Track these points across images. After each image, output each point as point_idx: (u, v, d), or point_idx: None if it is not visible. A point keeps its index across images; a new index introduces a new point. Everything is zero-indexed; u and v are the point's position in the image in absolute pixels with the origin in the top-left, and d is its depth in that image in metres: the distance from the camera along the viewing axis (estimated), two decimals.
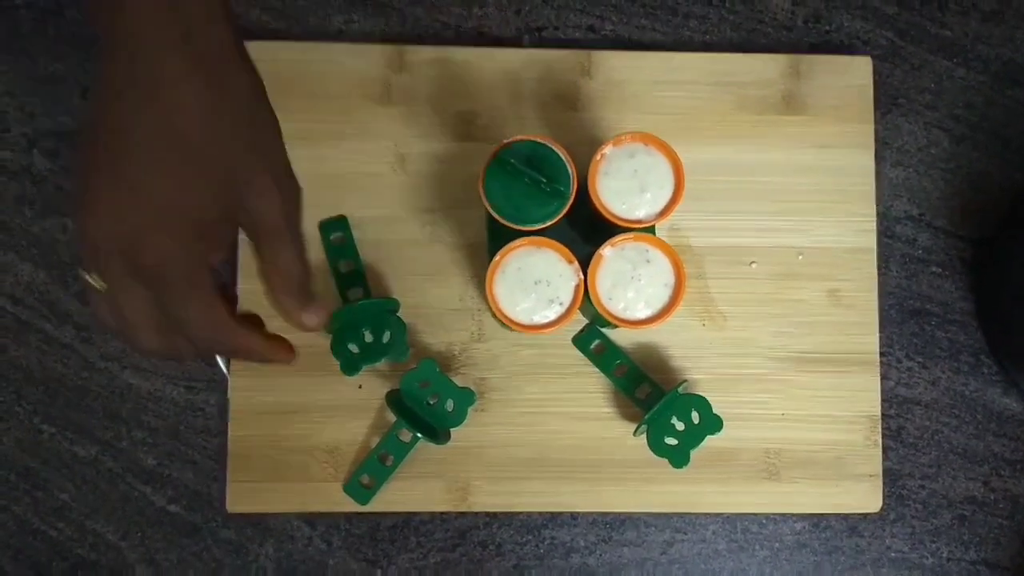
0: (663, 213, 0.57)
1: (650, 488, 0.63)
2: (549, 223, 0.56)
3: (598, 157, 0.57)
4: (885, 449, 0.65)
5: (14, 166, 0.65)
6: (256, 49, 0.64)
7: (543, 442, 0.63)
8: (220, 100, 0.40)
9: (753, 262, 0.65)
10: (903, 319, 0.66)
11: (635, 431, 0.62)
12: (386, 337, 0.60)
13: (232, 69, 0.41)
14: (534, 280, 0.57)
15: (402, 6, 0.67)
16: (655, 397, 0.62)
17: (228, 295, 0.45)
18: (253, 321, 0.49)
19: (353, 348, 0.60)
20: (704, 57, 0.66)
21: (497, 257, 0.56)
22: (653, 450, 0.60)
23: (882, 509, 0.64)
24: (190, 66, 0.39)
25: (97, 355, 0.64)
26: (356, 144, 0.64)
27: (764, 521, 0.65)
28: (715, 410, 0.60)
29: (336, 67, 0.65)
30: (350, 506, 0.62)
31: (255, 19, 0.66)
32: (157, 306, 0.42)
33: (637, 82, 0.65)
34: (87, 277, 0.42)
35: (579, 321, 0.64)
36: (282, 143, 0.45)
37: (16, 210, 0.65)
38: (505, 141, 0.56)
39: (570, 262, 0.57)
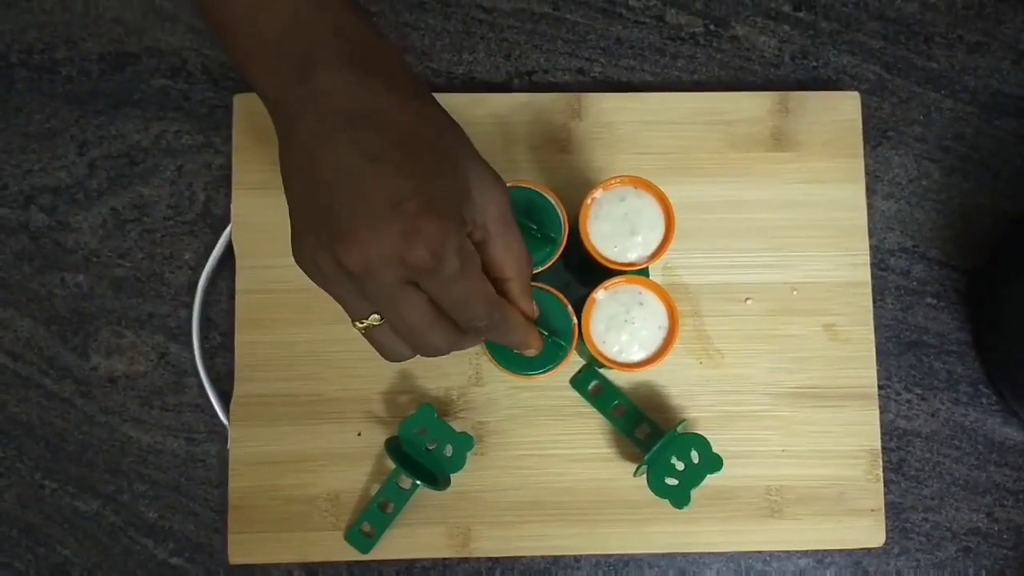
0: (655, 255, 0.57)
1: (652, 528, 0.63)
2: (542, 268, 0.57)
3: (588, 201, 0.57)
4: (887, 482, 0.65)
5: (11, 223, 0.66)
6: (241, 100, 0.65)
7: (543, 485, 0.63)
8: (409, 99, 0.43)
9: (748, 298, 0.65)
10: (900, 351, 0.66)
11: (635, 472, 0.62)
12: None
13: (401, 69, 0.45)
14: None
15: None
16: (654, 437, 0.62)
17: None
18: None
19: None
20: (693, 96, 0.66)
21: None
22: (654, 491, 0.59)
23: (886, 543, 0.64)
24: (369, 77, 0.42)
25: (97, 409, 0.64)
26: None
27: (768, 559, 0.64)
28: (715, 448, 0.60)
29: None
30: (352, 555, 0.62)
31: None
32: (432, 301, 0.44)
33: (627, 123, 0.66)
34: (361, 324, 0.45)
35: (576, 363, 0.64)
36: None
37: (15, 266, 0.65)
38: None
39: (564, 306, 0.57)
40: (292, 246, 0.43)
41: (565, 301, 0.57)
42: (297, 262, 0.44)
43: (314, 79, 0.41)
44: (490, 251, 0.47)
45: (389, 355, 0.48)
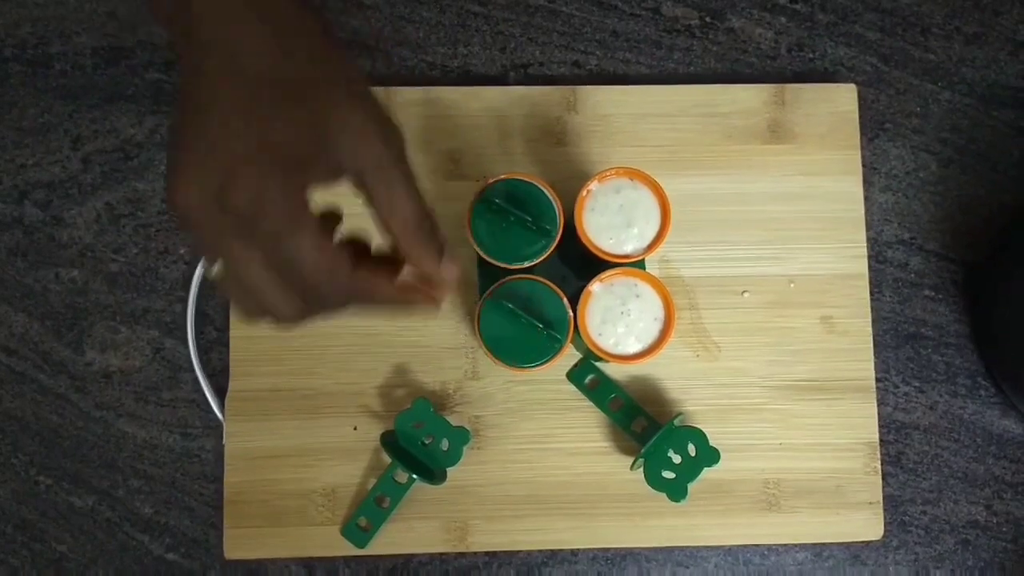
0: (651, 247, 0.57)
1: (649, 522, 0.63)
2: (537, 261, 0.56)
3: (584, 193, 0.57)
4: (885, 475, 0.64)
5: (6, 217, 0.65)
6: None
7: (540, 479, 0.63)
8: (283, 37, 0.40)
9: (745, 291, 0.65)
10: (898, 344, 0.66)
11: (632, 465, 0.62)
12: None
13: (291, 6, 0.41)
14: None
15: (388, 48, 0.67)
16: (651, 430, 0.62)
17: (349, 243, 0.43)
18: (386, 265, 0.45)
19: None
20: (689, 89, 0.66)
21: (486, 295, 0.56)
22: (651, 484, 0.59)
23: (884, 536, 0.64)
24: (244, 10, 0.39)
25: (92, 404, 0.64)
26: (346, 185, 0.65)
27: (766, 552, 0.64)
28: (712, 442, 0.60)
29: None
30: (348, 550, 0.62)
31: None
32: (270, 261, 0.40)
33: (623, 116, 0.66)
34: (213, 271, 0.41)
35: (573, 356, 0.64)
36: (369, 87, 0.42)
37: (8, 261, 0.65)
38: (490, 180, 0.56)
39: (560, 298, 0.57)
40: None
41: (560, 293, 0.56)
42: None
43: (191, 5, 0.39)
44: (374, 205, 0.43)
45: (240, 311, 0.43)
